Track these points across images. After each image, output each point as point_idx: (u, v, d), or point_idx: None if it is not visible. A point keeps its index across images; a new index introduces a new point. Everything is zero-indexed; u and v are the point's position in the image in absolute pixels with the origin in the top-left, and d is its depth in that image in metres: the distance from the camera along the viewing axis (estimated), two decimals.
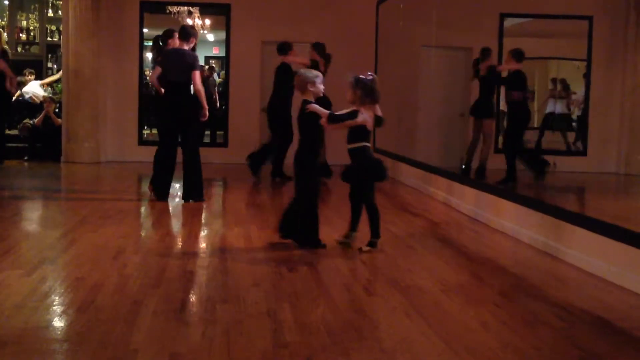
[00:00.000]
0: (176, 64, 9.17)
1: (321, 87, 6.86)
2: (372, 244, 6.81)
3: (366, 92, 6.68)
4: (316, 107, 6.70)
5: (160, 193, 9.36)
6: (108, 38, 14.34)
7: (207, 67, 17.04)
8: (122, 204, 9.14)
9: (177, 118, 9.17)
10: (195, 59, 9.23)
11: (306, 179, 6.85)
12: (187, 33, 9.33)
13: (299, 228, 6.85)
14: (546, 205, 7.18)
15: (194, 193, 9.36)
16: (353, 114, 6.66)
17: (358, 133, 6.73)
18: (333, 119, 6.67)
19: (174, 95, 9.15)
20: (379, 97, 6.78)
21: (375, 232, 6.85)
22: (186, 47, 9.28)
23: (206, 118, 9.27)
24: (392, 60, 13.36)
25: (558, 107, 10.29)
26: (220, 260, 6.32)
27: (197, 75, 9.09)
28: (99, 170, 13.41)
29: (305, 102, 6.78)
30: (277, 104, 11.76)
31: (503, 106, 10.25)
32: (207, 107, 9.21)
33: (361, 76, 6.76)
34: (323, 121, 6.67)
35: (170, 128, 9.39)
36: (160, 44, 10.00)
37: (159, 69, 9.53)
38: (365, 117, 6.67)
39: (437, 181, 10.37)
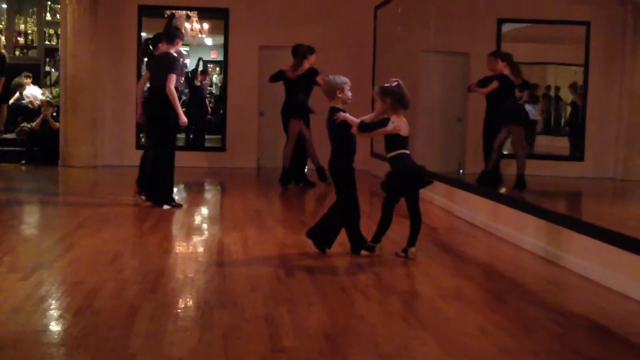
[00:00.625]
0: (157, 68, 9.17)
1: (349, 93, 6.80)
2: (370, 249, 6.81)
3: (395, 99, 6.64)
4: (346, 115, 6.64)
5: (148, 194, 9.33)
6: (106, 42, 14.34)
7: (200, 71, 17.01)
8: (120, 208, 9.13)
9: (152, 121, 9.22)
10: (173, 62, 9.10)
11: (346, 187, 6.81)
12: (171, 36, 9.28)
13: (324, 227, 6.85)
14: (544, 210, 7.18)
15: (157, 196, 9.23)
16: (383, 122, 6.64)
17: (394, 141, 6.68)
18: (364, 128, 6.63)
19: (153, 98, 9.18)
20: (409, 101, 6.71)
21: (377, 238, 6.85)
22: (172, 50, 9.21)
23: (184, 124, 9.13)
24: (391, 64, 13.37)
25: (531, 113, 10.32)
26: (218, 265, 6.31)
27: (170, 78, 8.93)
28: (97, 174, 13.39)
29: (334, 110, 6.73)
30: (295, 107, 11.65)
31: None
32: (180, 111, 9.02)
33: (386, 85, 6.72)
34: (354, 130, 6.64)
35: (149, 131, 9.56)
36: (151, 47, 9.92)
37: (147, 75, 9.51)
38: (396, 124, 6.61)
39: (435, 186, 10.34)
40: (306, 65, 11.38)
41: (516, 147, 9.50)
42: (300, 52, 11.45)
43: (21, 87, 15.86)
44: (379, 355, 4.19)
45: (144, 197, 9.30)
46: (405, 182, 6.78)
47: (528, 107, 10.26)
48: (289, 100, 11.58)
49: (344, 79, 6.83)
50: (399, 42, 12.85)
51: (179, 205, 9.27)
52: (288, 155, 11.50)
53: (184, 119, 9.06)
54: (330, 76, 6.92)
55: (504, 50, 9.83)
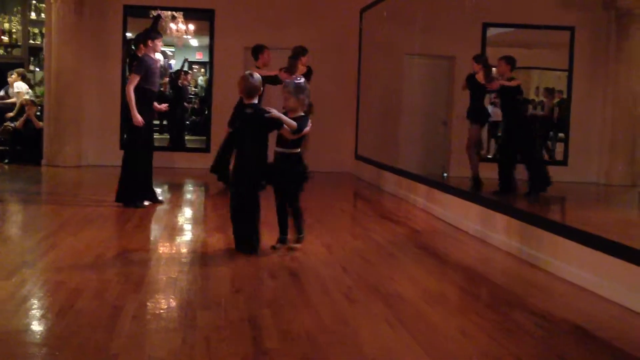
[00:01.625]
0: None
1: None
2: (300, 240, 7.01)
3: (307, 96, 6.79)
4: (282, 115, 6.64)
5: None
6: (91, 41, 14.29)
7: (182, 73, 16.95)
8: (103, 209, 9.09)
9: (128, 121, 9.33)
10: (138, 63, 9.09)
11: (258, 187, 6.80)
12: (144, 37, 9.23)
13: (252, 235, 6.83)
14: (528, 214, 7.21)
15: (122, 196, 9.25)
16: (306, 121, 6.74)
17: (300, 138, 6.80)
18: (300, 129, 6.67)
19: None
20: None
21: (301, 229, 7.04)
22: (150, 53, 9.16)
23: (137, 124, 8.97)
24: (376, 67, 13.39)
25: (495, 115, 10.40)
26: (201, 266, 6.29)
27: (130, 78, 9.04)
28: (80, 173, 13.34)
29: (258, 106, 6.71)
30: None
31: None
32: (134, 112, 8.91)
33: (297, 82, 6.77)
34: (287, 131, 6.65)
35: None
36: (133, 48, 9.86)
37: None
38: (311, 122, 6.83)
39: (419, 189, 10.38)
40: (300, 66, 11.35)
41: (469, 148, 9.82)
42: (294, 52, 11.40)
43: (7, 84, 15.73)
44: (363, 357, 4.19)
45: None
46: (303, 179, 6.91)
47: (490, 108, 10.35)
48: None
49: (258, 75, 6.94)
50: (384, 45, 12.87)
51: (143, 207, 9.21)
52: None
53: (137, 118, 8.96)
54: (253, 74, 6.87)
55: (486, 54, 9.99)
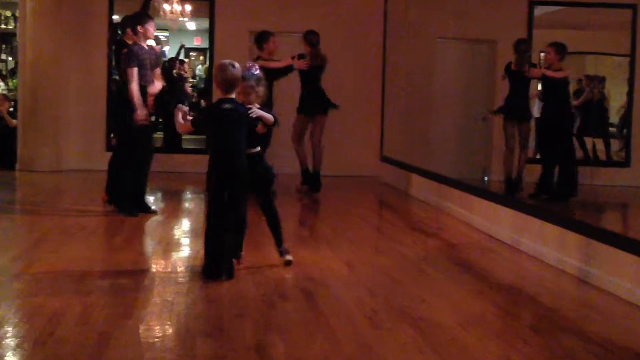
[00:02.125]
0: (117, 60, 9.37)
1: None
2: (287, 252, 7.08)
3: (264, 87, 6.88)
4: (262, 112, 6.68)
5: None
6: (72, 26, 14.31)
7: (177, 61, 17.03)
8: (87, 220, 9.13)
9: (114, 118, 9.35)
10: (128, 54, 9.13)
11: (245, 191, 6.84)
12: (132, 21, 9.30)
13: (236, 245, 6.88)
14: (582, 224, 7.19)
15: (118, 202, 9.34)
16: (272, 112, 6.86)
17: (258, 136, 6.88)
18: (276, 121, 6.82)
19: (115, 93, 9.28)
20: None
21: (281, 240, 7.12)
22: (141, 41, 9.19)
23: (141, 123, 9.03)
24: (403, 54, 13.38)
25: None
26: (201, 287, 6.31)
27: (128, 74, 9.03)
28: (60, 179, 13.39)
29: (237, 103, 6.69)
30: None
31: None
32: (139, 110, 8.96)
33: (255, 72, 6.79)
34: (261, 127, 6.74)
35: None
36: (119, 32, 9.89)
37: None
38: None
39: (454, 195, 10.36)
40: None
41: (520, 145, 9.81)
42: (314, 40, 11.52)
43: None
44: None
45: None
46: (272, 178, 7.07)
47: (536, 104, 10.37)
48: (322, 94, 11.67)
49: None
50: (413, 28, 12.86)
51: (134, 215, 9.22)
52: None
53: (138, 113, 8.99)
54: (234, 63, 6.77)
55: (531, 38, 10.00)
